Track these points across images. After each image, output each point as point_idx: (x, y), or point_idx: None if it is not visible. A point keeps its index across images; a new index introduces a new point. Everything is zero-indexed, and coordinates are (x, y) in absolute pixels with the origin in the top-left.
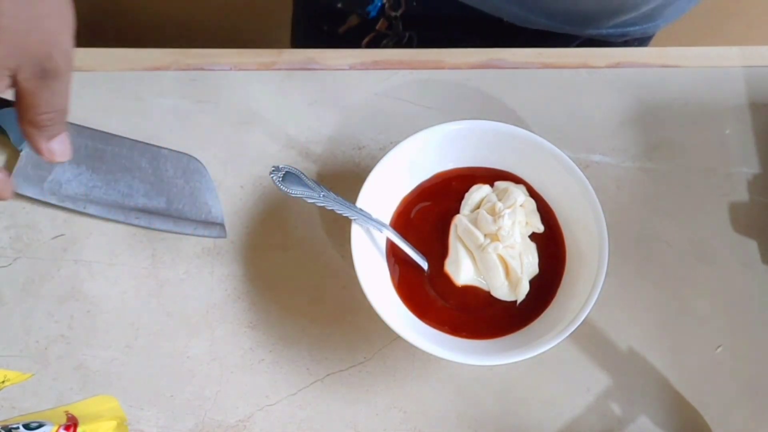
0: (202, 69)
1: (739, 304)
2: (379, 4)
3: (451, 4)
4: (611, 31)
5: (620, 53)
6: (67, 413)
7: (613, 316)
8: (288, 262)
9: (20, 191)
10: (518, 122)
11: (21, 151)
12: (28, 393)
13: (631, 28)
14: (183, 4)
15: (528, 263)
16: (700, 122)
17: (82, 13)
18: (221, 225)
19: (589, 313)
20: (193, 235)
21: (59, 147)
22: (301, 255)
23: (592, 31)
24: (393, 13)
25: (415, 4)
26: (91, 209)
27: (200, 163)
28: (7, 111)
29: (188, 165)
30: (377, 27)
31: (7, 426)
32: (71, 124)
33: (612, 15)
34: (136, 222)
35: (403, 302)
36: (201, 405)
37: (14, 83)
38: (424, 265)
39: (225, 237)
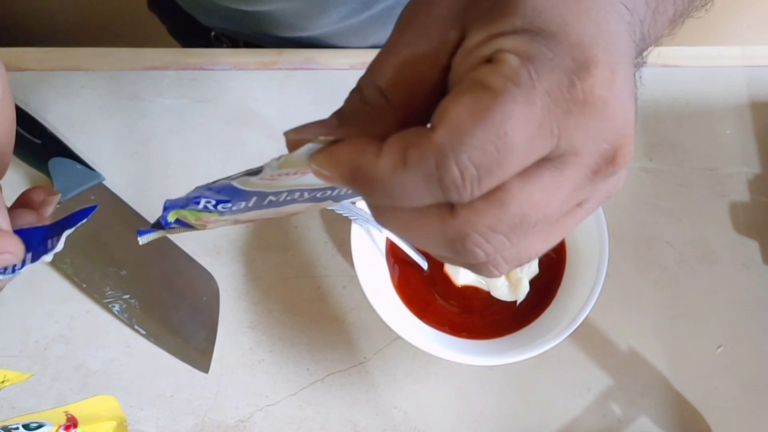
0: (201, 68)
1: (739, 304)
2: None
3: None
4: None
5: None
6: (66, 413)
7: (614, 316)
8: (288, 262)
9: None
10: None
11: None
12: (27, 393)
13: None
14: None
15: (528, 263)
16: (700, 122)
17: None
18: None
19: (589, 313)
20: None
21: None
22: (301, 255)
23: None
24: (224, 46)
25: (225, 45)
26: None
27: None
28: (58, 160)
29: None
30: None
31: (6, 426)
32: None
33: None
34: None
35: (403, 302)
36: (201, 405)
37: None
38: (424, 265)
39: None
